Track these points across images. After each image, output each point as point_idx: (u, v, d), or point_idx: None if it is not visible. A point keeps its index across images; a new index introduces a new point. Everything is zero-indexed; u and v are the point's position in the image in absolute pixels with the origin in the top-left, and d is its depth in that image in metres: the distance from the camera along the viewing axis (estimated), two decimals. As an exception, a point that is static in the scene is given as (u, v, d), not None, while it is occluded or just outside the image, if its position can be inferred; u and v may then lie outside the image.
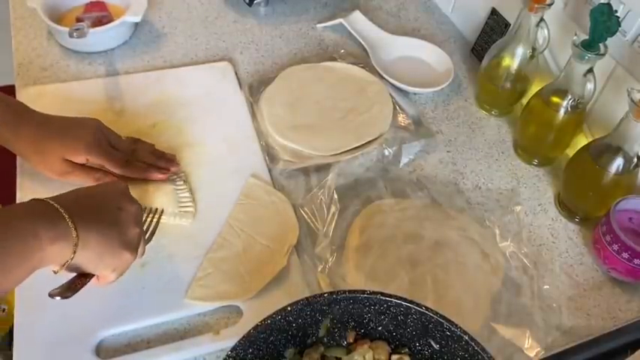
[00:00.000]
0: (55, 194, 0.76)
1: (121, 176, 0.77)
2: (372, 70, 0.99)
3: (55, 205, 0.56)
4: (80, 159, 0.73)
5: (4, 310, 1.03)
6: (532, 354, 0.68)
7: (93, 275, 0.61)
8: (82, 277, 0.60)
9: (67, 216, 0.55)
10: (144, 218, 0.72)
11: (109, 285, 0.63)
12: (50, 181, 0.75)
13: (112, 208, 0.61)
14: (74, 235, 0.55)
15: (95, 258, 0.58)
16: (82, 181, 0.75)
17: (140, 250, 0.64)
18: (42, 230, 0.53)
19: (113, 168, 0.76)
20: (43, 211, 0.55)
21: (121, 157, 0.76)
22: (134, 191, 0.77)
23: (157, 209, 0.76)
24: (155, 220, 0.74)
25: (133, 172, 0.77)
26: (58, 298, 0.58)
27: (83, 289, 0.61)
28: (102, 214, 0.59)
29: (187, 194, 0.79)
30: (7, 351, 0.96)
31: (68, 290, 0.59)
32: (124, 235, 0.60)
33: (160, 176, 0.79)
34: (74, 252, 0.56)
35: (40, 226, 0.53)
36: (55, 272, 0.58)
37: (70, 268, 0.58)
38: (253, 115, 0.91)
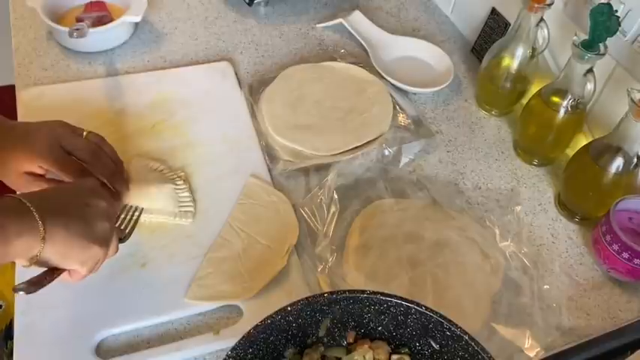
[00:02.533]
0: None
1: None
2: (372, 70, 0.99)
3: (23, 200, 0.56)
4: (35, 168, 0.69)
5: (0, 306, 1.03)
6: (532, 354, 0.68)
7: (62, 270, 0.60)
8: (51, 272, 0.59)
9: (34, 209, 0.55)
10: (123, 215, 0.72)
11: (80, 280, 0.61)
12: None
13: (80, 204, 0.60)
14: (41, 229, 0.55)
15: (63, 252, 0.58)
16: None
17: (112, 246, 0.63)
18: (8, 223, 0.53)
19: (67, 177, 0.70)
20: (10, 206, 0.55)
21: (75, 166, 0.70)
22: (135, 190, 0.77)
23: (136, 207, 0.74)
24: (134, 217, 0.72)
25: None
26: (21, 293, 0.57)
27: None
28: (69, 209, 0.59)
29: (187, 194, 0.79)
30: (4, 348, 0.96)
31: (33, 285, 0.58)
32: (91, 229, 0.60)
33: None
34: (42, 246, 0.55)
35: (6, 219, 0.53)
36: (24, 267, 0.57)
37: (39, 263, 0.58)
38: (253, 115, 0.91)
